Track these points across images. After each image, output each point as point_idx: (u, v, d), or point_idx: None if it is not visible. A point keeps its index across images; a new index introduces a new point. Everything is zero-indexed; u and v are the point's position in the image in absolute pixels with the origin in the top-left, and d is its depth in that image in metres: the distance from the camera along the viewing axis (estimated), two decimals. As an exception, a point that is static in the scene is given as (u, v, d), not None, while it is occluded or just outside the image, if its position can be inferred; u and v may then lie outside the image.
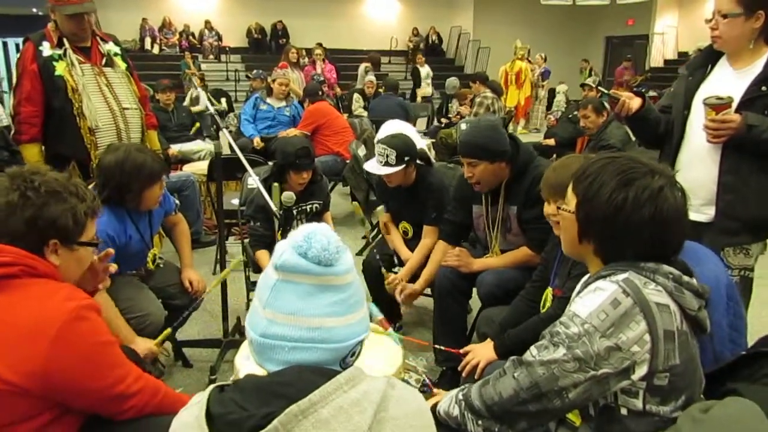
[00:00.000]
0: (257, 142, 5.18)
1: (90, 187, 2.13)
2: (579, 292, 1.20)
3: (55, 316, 1.11)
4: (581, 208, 1.16)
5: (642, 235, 1.09)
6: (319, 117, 5.01)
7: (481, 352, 1.83)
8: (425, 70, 10.93)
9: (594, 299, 1.08)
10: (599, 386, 1.07)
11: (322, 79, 7.67)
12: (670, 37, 15.82)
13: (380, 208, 2.88)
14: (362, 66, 9.14)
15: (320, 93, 5.66)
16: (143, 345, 1.95)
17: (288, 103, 5.43)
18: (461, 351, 1.89)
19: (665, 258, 1.12)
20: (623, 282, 1.07)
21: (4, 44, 13.89)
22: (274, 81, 5.47)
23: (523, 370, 1.13)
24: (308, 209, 2.82)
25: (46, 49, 2.78)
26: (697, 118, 1.94)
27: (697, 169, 1.95)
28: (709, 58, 2.01)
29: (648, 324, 1.04)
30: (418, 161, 2.66)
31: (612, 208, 1.09)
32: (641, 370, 1.05)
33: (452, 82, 8.74)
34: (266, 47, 14.72)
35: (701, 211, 1.95)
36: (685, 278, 1.11)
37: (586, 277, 1.26)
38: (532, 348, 1.14)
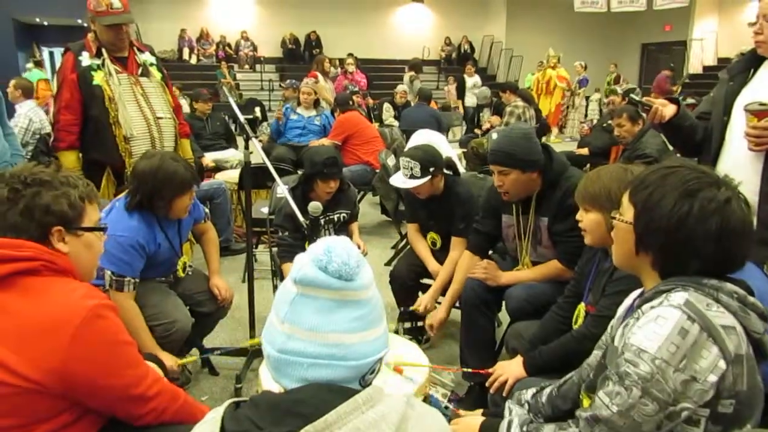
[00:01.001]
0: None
1: (123, 193, 2.19)
2: (630, 309, 1.12)
3: (74, 313, 1.12)
4: (640, 219, 1.10)
5: (706, 249, 1.04)
6: (349, 127, 5.03)
7: (510, 368, 1.77)
8: (472, 80, 10.84)
9: (658, 330, 1.00)
10: (671, 419, 1.01)
11: (357, 89, 7.69)
12: (709, 42, 15.35)
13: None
14: (407, 75, 9.09)
15: (351, 102, 5.69)
16: (165, 359, 1.95)
17: (318, 113, 5.47)
18: (489, 371, 1.84)
19: (726, 273, 1.07)
20: (685, 307, 1.00)
21: (51, 54, 14.45)
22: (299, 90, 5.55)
23: (603, 428, 1.06)
24: (335, 218, 2.81)
25: (86, 58, 2.87)
26: (738, 125, 1.86)
27: (737, 178, 1.86)
28: (751, 62, 1.93)
29: (720, 349, 0.98)
30: (444, 170, 2.63)
31: (675, 219, 1.04)
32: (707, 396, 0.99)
33: (483, 92, 8.69)
34: (300, 57, 14.93)
35: None
36: (750, 299, 1.04)
37: (638, 293, 1.20)
38: (602, 396, 1.07)
